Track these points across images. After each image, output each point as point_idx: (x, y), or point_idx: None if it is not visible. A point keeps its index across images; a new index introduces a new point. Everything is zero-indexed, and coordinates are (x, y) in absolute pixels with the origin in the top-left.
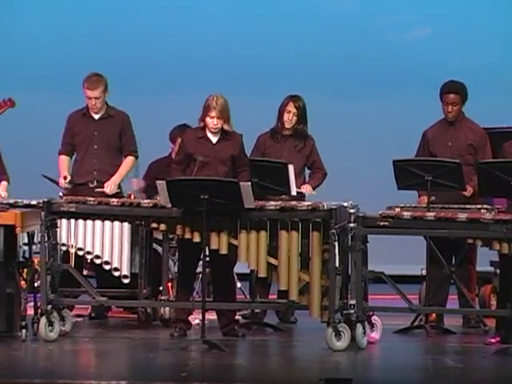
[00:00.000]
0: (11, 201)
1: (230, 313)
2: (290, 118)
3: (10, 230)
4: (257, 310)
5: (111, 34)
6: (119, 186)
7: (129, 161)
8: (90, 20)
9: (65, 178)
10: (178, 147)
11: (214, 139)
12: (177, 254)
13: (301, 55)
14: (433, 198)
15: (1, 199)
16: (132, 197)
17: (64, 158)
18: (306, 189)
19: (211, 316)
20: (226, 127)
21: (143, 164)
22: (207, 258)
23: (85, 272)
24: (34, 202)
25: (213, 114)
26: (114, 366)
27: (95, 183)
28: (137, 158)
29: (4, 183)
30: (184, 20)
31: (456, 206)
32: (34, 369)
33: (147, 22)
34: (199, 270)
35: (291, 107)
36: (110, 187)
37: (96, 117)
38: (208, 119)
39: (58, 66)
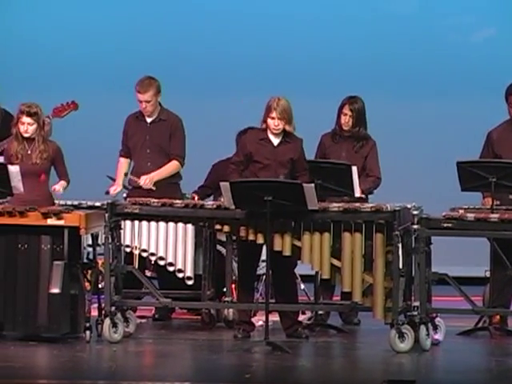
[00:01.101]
0: (75, 202)
1: (293, 314)
2: (346, 121)
3: (74, 232)
4: (320, 312)
5: (174, 38)
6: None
7: (172, 165)
8: (154, 22)
9: (107, 192)
10: (238, 148)
11: (276, 141)
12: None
13: (364, 56)
14: (497, 202)
15: (57, 194)
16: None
17: (122, 161)
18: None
19: (274, 317)
20: (287, 128)
21: (205, 166)
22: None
23: (148, 273)
24: (98, 204)
25: (273, 114)
26: (177, 367)
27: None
28: (182, 164)
29: (63, 182)
30: (245, 21)
31: None
32: (98, 370)
33: (207, 24)
34: (261, 271)
35: (347, 110)
36: (145, 180)
37: (148, 120)
38: (269, 120)
39: (121, 67)
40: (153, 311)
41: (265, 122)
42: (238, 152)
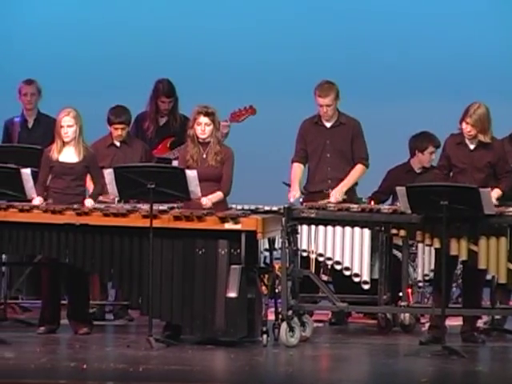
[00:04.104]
0: (252, 207)
1: (473, 319)
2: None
3: (251, 236)
4: (497, 317)
5: (349, 42)
6: (351, 192)
7: (358, 169)
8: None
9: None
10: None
11: (472, 146)
12: (416, 259)
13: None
14: None
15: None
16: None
17: (296, 166)
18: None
19: (451, 322)
20: (481, 137)
21: (379, 171)
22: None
23: (324, 278)
24: (275, 208)
25: (468, 120)
26: (353, 371)
27: (330, 191)
28: (367, 166)
29: (219, 193)
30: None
31: None
32: (275, 374)
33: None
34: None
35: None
36: (334, 196)
37: (328, 125)
38: (464, 124)
39: (295, 73)
40: (329, 315)
41: (460, 125)
42: (441, 156)
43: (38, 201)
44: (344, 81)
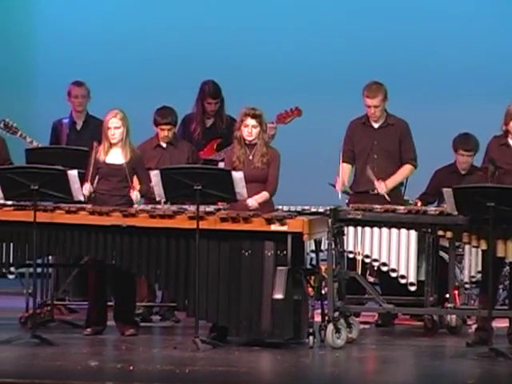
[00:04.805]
0: (298, 208)
1: None
2: None
3: (297, 238)
4: None
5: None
6: (399, 193)
7: (406, 169)
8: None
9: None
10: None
11: None
12: (463, 261)
13: None
14: None
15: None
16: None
17: (345, 166)
18: None
19: (498, 324)
20: None
21: (426, 172)
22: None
23: (371, 279)
24: (321, 210)
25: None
26: (400, 373)
27: (376, 192)
28: (415, 167)
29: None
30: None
31: None
32: (321, 376)
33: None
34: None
35: None
36: (380, 186)
37: (375, 125)
38: (510, 125)
39: (342, 74)
40: (376, 317)
41: (506, 126)
42: (485, 158)
43: (87, 188)
44: (392, 81)
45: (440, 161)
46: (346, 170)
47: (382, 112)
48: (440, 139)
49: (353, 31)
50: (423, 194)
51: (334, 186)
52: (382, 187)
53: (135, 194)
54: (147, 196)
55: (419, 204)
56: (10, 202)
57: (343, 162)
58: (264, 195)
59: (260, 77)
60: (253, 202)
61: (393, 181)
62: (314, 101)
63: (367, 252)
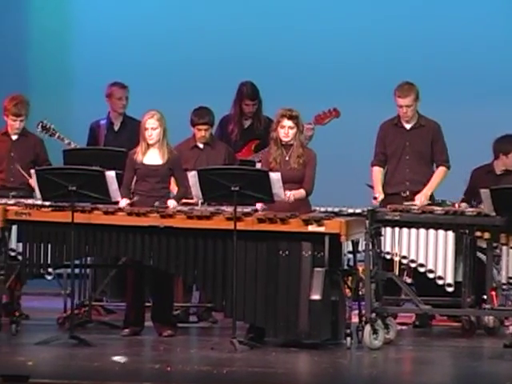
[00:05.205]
0: (336, 209)
1: None
2: None
3: (334, 239)
4: None
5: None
6: (431, 197)
7: (440, 171)
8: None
9: (375, 198)
10: None
11: None
12: (500, 262)
13: None
14: None
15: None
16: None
17: (377, 170)
18: None
19: None
20: None
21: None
22: None
23: (408, 280)
24: (358, 211)
25: None
26: (437, 374)
27: (407, 193)
28: (448, 168)
29: (302, 191)
30: None
31: None
32: (358, 376)
33: None
34: None
35: None
36: (420, 200)
37: (407, 126)
38: None
39: (380, 75)
40: (413, 318)
41: None
42: None
43: (124, 203)
44: (428, 82)
45: (475, 162)
46: (378, 174)
47: (414, 112)
48: (473, 140)
49: (387, 32)
50: (465, 194)
51: (372, 187)
52: (422, 200)
53: (171, 203)
54: (185, 197)
55: (457, 205)
56: (48, 203)
57: (375, 165)
58: (301, 192)
59: (298, 78)
60: (290, 193)
61: (430, 188)
62: (352, 102)
63: (404, 253)
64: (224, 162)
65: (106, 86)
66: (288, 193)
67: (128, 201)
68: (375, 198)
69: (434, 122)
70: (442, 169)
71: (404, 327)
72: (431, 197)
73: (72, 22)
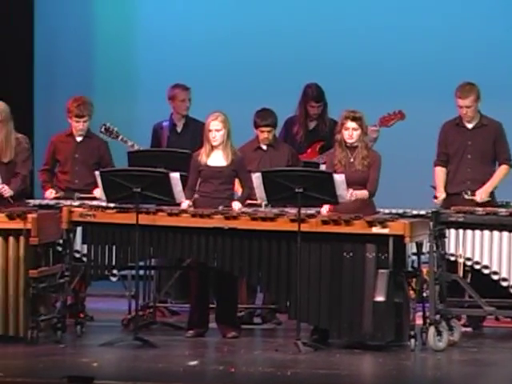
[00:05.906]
0: (400, 211)
1: None
2: None
3: (398, 240)
4: None
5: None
6: (491, 195)
7: (503, 169)
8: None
9: (435, 197)
10: None
11: None
12: None
13: None
14: None
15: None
16: None
17: (439, 170)
18: None
19: None
20: None
21: None
22: None
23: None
24: (422, 212)
25: None
26: (501, 377)
27: (469, 193)
28: (511, 166)
29: (365, 192)
30: None
31: None
32: (422, 378)
33: None
34: None
35: None
36: (480, 195)
37: (469, 126)
38: None
39: (445, 76)
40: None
41: None
42: None
43: (186, 204)
44: (489, 82)
45: None
46: (440, 174)
47: (475, 112)
48: None
49: (451, 33)
50: None
51: (435, 188)
52: (482, 196)
53: (236, 204)
54: (249, 198)
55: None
56: (112, 205)
57: (438, 165)
58: (364, 192)
59: (364, 80)
60: (352, 191)
61: (491, 185)
62: (417, 104)
63: (469, 255)
64: (287, 164)
65: (169, 88)
66: (350, 190)
67: (190, 202)
68: (436, 198)
69: (496, 122)
70: (504, 166)
71: (468, 329)
72: (492, 195)
73: (135, 25)
